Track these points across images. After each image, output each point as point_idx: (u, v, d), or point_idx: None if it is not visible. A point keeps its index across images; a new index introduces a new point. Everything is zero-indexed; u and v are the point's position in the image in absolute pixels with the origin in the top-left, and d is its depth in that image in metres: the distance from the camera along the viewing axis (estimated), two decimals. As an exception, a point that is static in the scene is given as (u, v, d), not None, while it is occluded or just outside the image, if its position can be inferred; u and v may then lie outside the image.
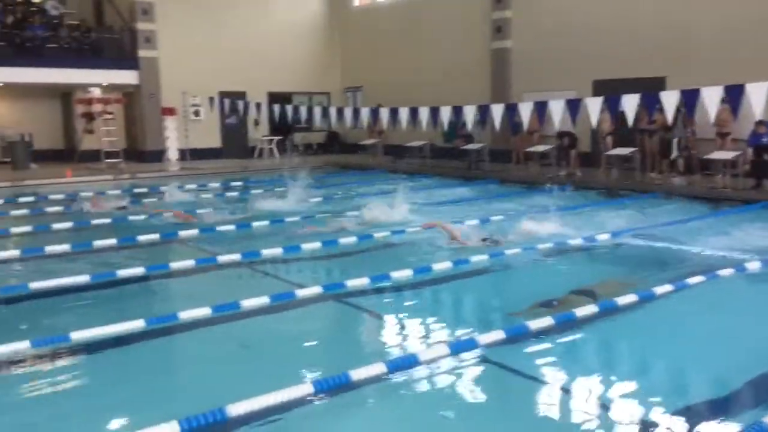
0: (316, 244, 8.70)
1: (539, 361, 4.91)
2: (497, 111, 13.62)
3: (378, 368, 4.50)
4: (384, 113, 15.92)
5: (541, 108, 12.90)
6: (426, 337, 5.57)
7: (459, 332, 5.58)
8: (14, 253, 8.42)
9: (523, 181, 15.69)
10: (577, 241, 8.77)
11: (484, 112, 14.22)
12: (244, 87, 22.06)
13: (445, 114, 14.51)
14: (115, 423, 4.05)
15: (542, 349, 5.12)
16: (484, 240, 8.60)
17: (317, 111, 17.86)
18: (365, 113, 16.87)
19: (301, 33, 24.39)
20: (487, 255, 7.96)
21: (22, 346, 5.03)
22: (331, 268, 8.23)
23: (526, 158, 17.50)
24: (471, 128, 16.38)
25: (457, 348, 4.97)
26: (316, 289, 6.63)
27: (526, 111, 13.06)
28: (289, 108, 18.14)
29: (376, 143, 21.89)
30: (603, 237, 9.01)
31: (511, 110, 13.83)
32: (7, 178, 16.68)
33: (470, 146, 18.06)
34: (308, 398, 4.16)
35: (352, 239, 9.13)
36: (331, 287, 6.73)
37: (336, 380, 4.29)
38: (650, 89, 12.13)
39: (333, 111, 17.60)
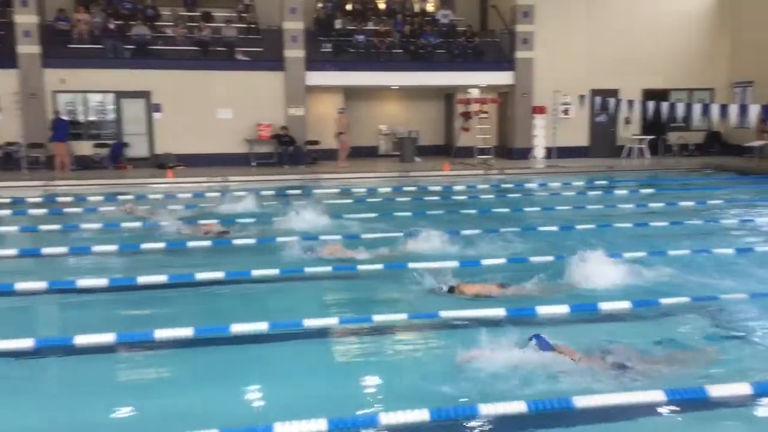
0: (684, 251, 8.16)
1: None
2: None
3: (741, 388, 4.11)
4: (778, 111, 14.01)
5: None
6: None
7: None
8: (398, 234, 9.58)
9: None
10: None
11: None
12: (616, 84, 21.46)
13: None
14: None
15: None
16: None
17: (696, 108, 16.52)
18: (754, 110, 15.06)
19: (682, 25, 22.69)
20: None
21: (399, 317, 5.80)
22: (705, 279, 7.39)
23: None
24: None
25: None
26: (683, 299, 6.25)
27: None
28: (664, 105, 17.13)
29: (765, 145, 19.32)
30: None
31: None
32: (396, 170, 19.06)
33: None
34: (658, 406, 4.02)
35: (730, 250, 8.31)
36: (702, 299, 6.27)
37: (691, 393, 4.06)
38: None
39: (715, 108, 16.08)
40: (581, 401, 3.97)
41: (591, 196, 14.83)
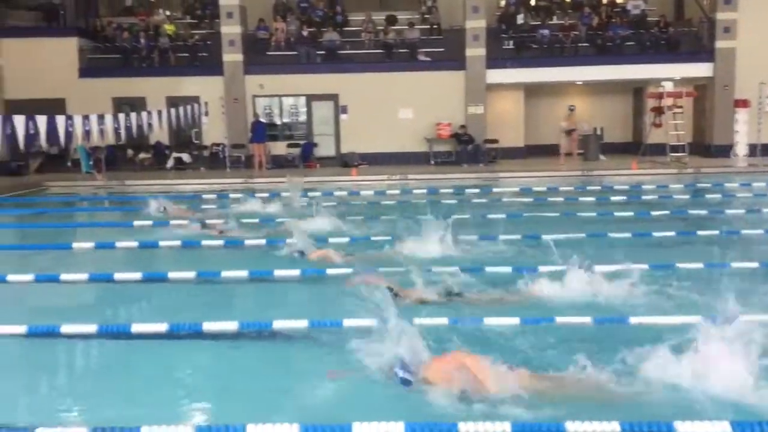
0: None
1: None
2: None
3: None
4: None
5: None
6: None
7: None
8: (581, 235, 9.24)
9: None
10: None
11: None
12: (837, 73, 19.07)
13: None
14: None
15: None
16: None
17: None
18: None
19: None
20: None
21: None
22: None
23: None
24: None
25: None
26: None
27: None
28: None
29: None
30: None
31: None
32: (579, 168, 18.41)
33: None
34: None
35: None
36: None
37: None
38: None
39: None
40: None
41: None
